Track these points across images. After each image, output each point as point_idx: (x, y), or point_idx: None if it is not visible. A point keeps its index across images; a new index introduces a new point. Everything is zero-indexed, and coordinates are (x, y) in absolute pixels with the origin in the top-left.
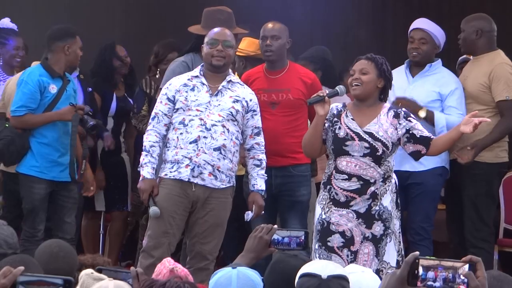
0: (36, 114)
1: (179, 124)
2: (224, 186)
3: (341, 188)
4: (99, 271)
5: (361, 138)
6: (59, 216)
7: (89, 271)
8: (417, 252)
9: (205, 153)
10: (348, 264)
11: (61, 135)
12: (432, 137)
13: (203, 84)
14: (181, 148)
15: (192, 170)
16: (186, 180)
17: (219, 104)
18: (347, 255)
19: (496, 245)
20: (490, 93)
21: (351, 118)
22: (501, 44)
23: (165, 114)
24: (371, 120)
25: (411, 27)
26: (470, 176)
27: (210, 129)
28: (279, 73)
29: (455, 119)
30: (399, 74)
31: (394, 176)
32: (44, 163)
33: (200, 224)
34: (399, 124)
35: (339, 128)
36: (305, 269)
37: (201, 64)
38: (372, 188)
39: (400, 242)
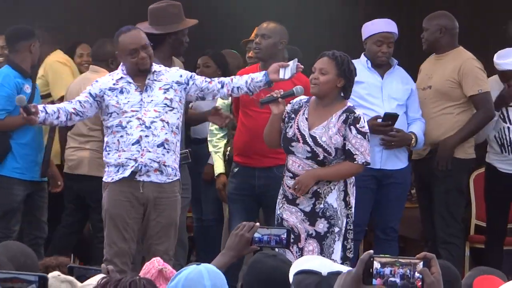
0: (15, 116)
1: (116, 127)
2: (170, 180)
3: (288, 186)
4: (70, 269)
5: (304, 141)
6: (36, 216)
7: (55, 273)
8: (371, 251)
9: (149, 151)
10: None
11: (36, 133)
12: (355, 158)
13: (130, 83)
14: (124, 151)
15: (139, 170)
16: (131, 177)
17: (152, 100)
18: (296, 251)
19: (468, 241)
20: (460, 88)
21: (305, 118)
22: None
23: (80, 102)
24: (322, 121)
25: (380, 29)
26: (440, 172)
27: (150, 127)
28: None
29: (422, 125)
30: (362, 70)
31: None
32: (25, 164)
33: (153, 226)
34: (344, 130)
35: (290, 127)
36: (301, 266)
37: (121, 64)
38: (314, 188)
39: (350, 239)
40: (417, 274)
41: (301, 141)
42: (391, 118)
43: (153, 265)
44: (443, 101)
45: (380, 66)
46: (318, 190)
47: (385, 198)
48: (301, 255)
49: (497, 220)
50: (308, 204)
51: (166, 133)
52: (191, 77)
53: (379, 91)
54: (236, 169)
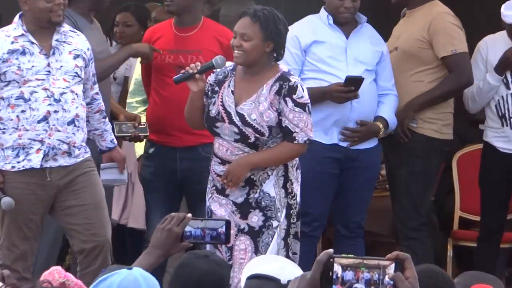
0: None
1: (16, 99)
2: (80, 159)
3: (215, 173)
4: None
5: (231, 121)
6: None
7: None
8: (331, 250)
9: (59, 130)
10: None
11: None
12: (295, 137)
13: (33, 43)
14: (26, 130)
15: (46, 154)
16: (38, 167)
17: (61, 66)
18: (225, 251)
19: (450, 238)
20: (431, 49)
21: (231, 90)
22: None
23: None
24: (251, 94)
25: None
26: (404, 150)
27: (59, 100)
28: (189, 30)
29: (394, 103)
30: (323, 28)
31: None
32: None
33: (76, 213)
34: (278, 103)
35: (214, 103)
36: (255, 268)
37: (19, 16)
38: (247, 174)
39: (292, 235)
40: (387, 279)
41: (226, 120)
42: (354, 82)
43: (53, 277)
44: (412, 65)
45: (344, 24)
46: (253, 177)
47: (348, 186)
48: (231, 255)
49: (496, 211)
50: (240, 194)
51: (77, 107)
52: (91, 59)
53: (342, 53)
54: (151, 150)
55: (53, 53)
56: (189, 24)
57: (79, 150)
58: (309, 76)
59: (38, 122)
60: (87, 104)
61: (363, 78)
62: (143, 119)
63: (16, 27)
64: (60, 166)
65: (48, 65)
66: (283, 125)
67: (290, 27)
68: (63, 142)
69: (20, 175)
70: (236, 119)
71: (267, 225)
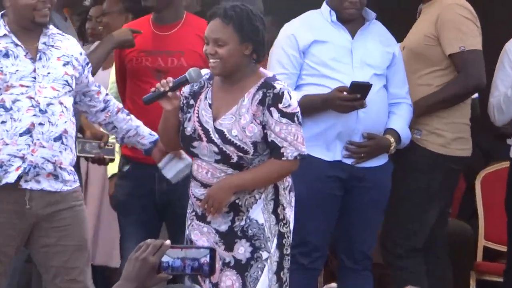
0: None
1: None
2: (69, 188)
3: (195, 197)
4: None
5: (209, 139)
6: None
7: None
8: (334, 284)
9: (43, 146)
10: None
11: None
12: (283, 153)
13: (17, 45)
14: (6, 144)
15: (26, 173)
16: (14, 184)
17: (49, 73)
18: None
19: (473, 271)
20: (440, 46)
21: (208, 103)
22: None
23: None
24: (231, 106)
25: None
26: (404, 163)
27: (46, 111)
28: (170, 28)
29: (408, 113)
30: (325, 26)
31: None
32: None
33: (55, 254)
34: (262, 114)
35: (189, 120)
36: None
37: (0, 16)
38: (232, 198)
39: (286, 269)
40: None
41: (204, 138)
42: (360, 88)
43: None
44: (419, 65)
45: (350, 21)
46: (238, 201)
47: (354, 209)
48: None
49: None
50: (224, 221)
51: (66, 122)
52: (87, 64)
53: (348, 55)
54: (126, 168)
55: (40, 58)
56: (169, 21)
57: (68, 174)
58: (308, 81)
59: (20, 135)
60: (102, 110)
61: (371, 84)
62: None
63: None
64: (43, 190)
65: (34, 70)
66: (269, 139)
67: (286, 25)
68: (48, 160)
69: None
70: (214, 136)
71: (255, 257)
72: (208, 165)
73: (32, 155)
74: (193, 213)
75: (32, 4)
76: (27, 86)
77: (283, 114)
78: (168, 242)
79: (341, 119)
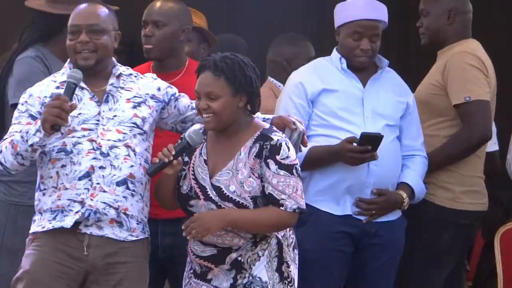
0: None
1: (57, 152)
2: (135, 238)
3: (194, 254)
4: None
5: (207, 197)
6: None
7: None
8: None
9: (104, 191)
10: None
11: None
12: (283, 204)
13: (83, 88)
14: (66, 189)
15: (86, 218)
16: (71, 227)
17: (115, 115)
18: None
19: None
20: (447, 96)
21: (204, 159)
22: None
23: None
24: (228, 161)
25: (358, 14)
26: (410, 217)
27: (108, 154)
28: (171, 76)
29: (423, 166)
30: (334, 73)
31: (282, 233)
32: None
33: None
34: (260, 167)
35: (184, 178)
36: None
37: (69, 60)
38: (234, 255)
39: None
40: None
41: (201, 196)
42: (371, 140)
43: None
44: (426, 115)
45: (361, 69)
46: (240, 258)
47: (366, 269)
48: None
49: None
50: (226, 278)
51: (132, 166)
52: (173, 94)
53: (359, 105)
54: None
55: (106, 100)
56: (171, 69)
57: (137, 223)
58: (318, 132)
59: (79, 179)
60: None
61: (382, 136)
62: None
63: (64, 71)
64: (105, 237)
65: (99, 113)
66: (267, 192)
67: (294, 73)
68: (110, 205)
69: (50, 237)
70: (212, 193)
71: None
72: None
73: (91, 199)
74: (191, 271)
75: (72, 45)
76: (90, 129)
77: (281, 166)
78: None
79: (351, 172)
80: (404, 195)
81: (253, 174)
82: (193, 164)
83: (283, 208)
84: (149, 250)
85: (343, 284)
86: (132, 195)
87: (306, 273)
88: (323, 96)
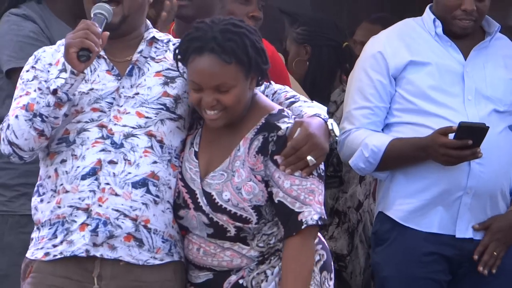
0: None
1: (58, 143)
2: (160, 262)
3: (189, 282)
4: None
5: (197, 207)
6: None
7: None
8: None
9: (116, 194)
10: None
11: None
12: (300, 218)
13: (99, 57)
14: (66, 192)
15: (95, 233)
16: (84, 255)
17: (137, 93)
18: None
19: None
20: None
21: (194, 151)
22: None
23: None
24: (224, 156)
25: None
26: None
27: (121, 145)
28: None
29: None
30: (427, 40)
31: None
32: None
33: None
34: (265, 167)
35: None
36: None
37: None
38: (233, 278)
39: None
40: None
41: (191, 205)
42: (473, 132)
43: None
44: None
45: (463, 36)
46: (242, 281)
47: None
48: None
49: None
50: None
51: (156, 163)
52: None
53: (458, 83)
54: None
55: (130, 74)
56: None
57: (162, 242)
58: (402, 119)
59: (82, 177)
60: None
61: (488, 127)
62: None
63: None
64: (119, 259)
65: (117, 91)
66: (276, 200)
67: (372, 39)
68: (125, 215)
69: (53, 267)
70: (203, 201)
71: None
72: (199, 239)
73: (100, 205)
74: None
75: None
76: (101, 111)
77: None
78: None
79: (446, 174)
80: None
81: (255, 177)
82: (181, 158)
83: (304, 226)
84: (182, 279)
85: None
86: (155, 202)
87: None
88: (410, 71)
